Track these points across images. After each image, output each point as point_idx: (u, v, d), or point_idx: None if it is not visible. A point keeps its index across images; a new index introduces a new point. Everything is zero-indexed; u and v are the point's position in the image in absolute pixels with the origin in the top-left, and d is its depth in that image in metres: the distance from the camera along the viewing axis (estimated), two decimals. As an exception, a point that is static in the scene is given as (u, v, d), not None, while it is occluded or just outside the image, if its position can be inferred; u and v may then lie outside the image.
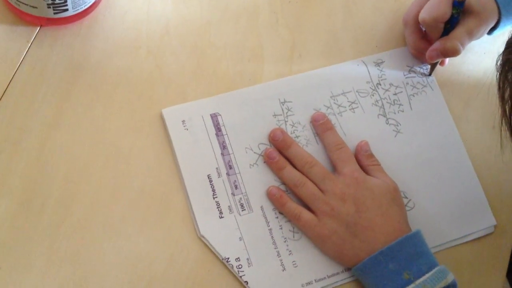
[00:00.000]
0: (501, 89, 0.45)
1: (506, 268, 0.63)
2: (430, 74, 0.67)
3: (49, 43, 0.61)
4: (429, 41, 0.65)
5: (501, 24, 0.64)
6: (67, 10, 0.58)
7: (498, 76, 0.46)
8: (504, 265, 0.63)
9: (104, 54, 0.61)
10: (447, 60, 0.67)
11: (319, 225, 0.58)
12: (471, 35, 0.63)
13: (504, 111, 0.45)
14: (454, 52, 0.63)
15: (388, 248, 0.56)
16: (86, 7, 0.60)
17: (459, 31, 0.62)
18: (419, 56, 0.66)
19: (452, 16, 0.62)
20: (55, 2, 0.56)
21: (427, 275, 0.54)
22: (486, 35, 0.66)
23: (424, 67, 0.67)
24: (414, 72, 0.67)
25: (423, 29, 0.65)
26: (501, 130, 0.47)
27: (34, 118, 0.58)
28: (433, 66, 0.67)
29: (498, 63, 0.46)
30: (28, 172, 0.56)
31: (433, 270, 0.55)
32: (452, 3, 0.61)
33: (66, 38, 0.61)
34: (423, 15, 0.63)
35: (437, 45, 0.63)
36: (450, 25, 0.63)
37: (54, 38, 0.61)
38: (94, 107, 0.59)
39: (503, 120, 0.46)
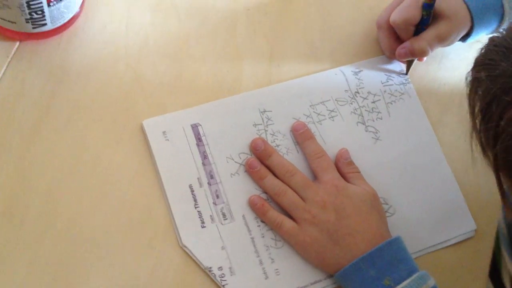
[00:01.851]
0: (471, 105, 0.46)
1: (488, 271, 0.64)
2: (406, 73, 0.68)
3: (28, 58, 0.61)
4: (401, 43, 0.66)
5: (474, 32, 0.65)
6: (45, 24, 0.58)
7: (468, 92, 0.47)
8: (485, 268, 0.64)
9: (83, 68, 0.62)
10: (424, 57, 0.68)
11: (301, 233, 0.58)
12: (441, 39, 0.64)
13: (474, 125, 0.46)
14: (421, 53, 0.64)
15: (369, 255, 0.56)
16: (65, 21, 0.60)
17: (429, 33, 0.64)
18: (393, 57, 0.68)
19: (422, 18, 0.63)
20: (33, 17, 0.57)
21: (407, 281, 0.55)
22: (461, 42, 0.68)
23: (400, 68, 0.68)
24: (392, 80, 0.68)
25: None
26: (471, 144, 0.48)
27: (14, 132, 0.58)
28: (409, 65, 0.68)
29: (468, 79, 0.47)
30: (8, 185, 0.56)
31: (414, 276, 0.55)
32: (422, 6, 0.63)
33: (45, 52, 0.61)
34: (394, 17, 0.64)
35: (406, 44, 0.65)
36: (420, 26, 0.64)
37: (33, 53, 0.61)
38: (74, 120, 0.60)
39: (473, 134, 0.47)
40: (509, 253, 0.67)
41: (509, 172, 0.44)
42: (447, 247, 0.63)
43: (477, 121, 0.46)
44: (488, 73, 0.44)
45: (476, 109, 0.46)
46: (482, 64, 0.45)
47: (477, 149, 0.47)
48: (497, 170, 0.45)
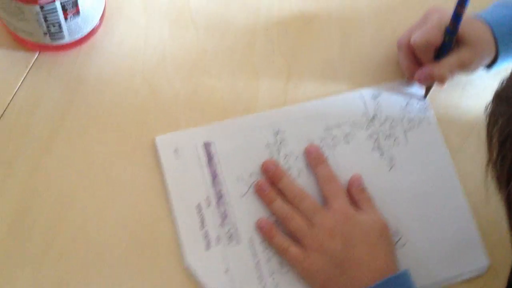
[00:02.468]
0: (488, 138, 0.45)
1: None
2: (425, 97, 0.67)
3: (47, 69, 0.62)
4: (421, 65, 0.64)
5: (500, 60, 0.63)
6: (63, 37, 0.59)
7: (486, 124, 0.45)
8: (497, 306, 0.62)
9: (100, 81, 0.62)
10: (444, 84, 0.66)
11: (307, 260, 0.57)
12: (463, 65, 0.63)
13: (490, 158, 0.45)
14: (441, 78, 0.63)
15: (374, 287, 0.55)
16: (83, 34, 0.60)
17: (450, 59, 0.62)
18: (412, 80, 0.66)
19: (443, 42, 0.62)
20: (51, 30, 0.57)
21: (412, 317, 0.54)
22: (485, 70, 0.66)
23: (421, 93, 0.67)
24: (412, 105, 0.67)
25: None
26: (486, 177, 0.46)
27: (29, 142, 0.59)
28: (428, 89, 0.66)
29: (487, 110, 0.45)
30: (19, 195, 0.57)
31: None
32: (445, 30, 0.61)
33: (63, 64, 0.62)
34: (415, 38, 0.63)
35: (426, 68, 0.63)
36: (442, 51, 0.62)
37: (52, 64, 0.62)
38: (88, 133, 0.60)
39: (489, 168, 0.45)
40: None
41: None
42: (456, 283, 0.61)
43: (494, 153, 0.45)
44: (506, 109, 0.43)
45: (493, 142, 0.45)
46: (501, 98, 0.44)
47: (493, 182, 0.46)
48: (509, 208, 0.44)
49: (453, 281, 0.61)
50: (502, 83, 0.44)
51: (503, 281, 0.62)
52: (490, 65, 0.65)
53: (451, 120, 0.67)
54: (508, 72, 0.65)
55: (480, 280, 0.61)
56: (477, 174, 0.65)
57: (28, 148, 0.59)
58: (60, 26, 0.57)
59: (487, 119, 0.45)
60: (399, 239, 0.61)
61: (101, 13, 0.62)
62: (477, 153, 0.66)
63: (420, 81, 0.65)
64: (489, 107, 0.45)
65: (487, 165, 0.45)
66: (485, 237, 0.63)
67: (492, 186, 0.46)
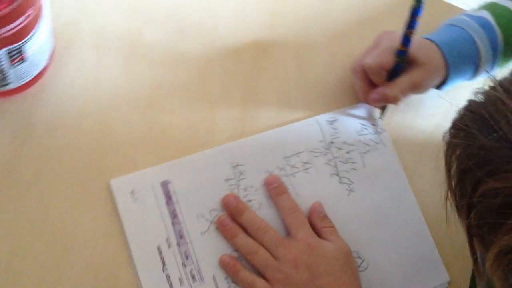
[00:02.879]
0: (447, 166, 0.46)
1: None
2: (380, 118, 0.68)
3: (-7, 117, 0.60)
4: (375, 87, 0.65)
5: (449, 80, 0.65)
6: (9, 83, 0.57)
7: (444, 152, 0.46)
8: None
9: (50, 124, 0.60)
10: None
11: (273, 293, 0.57)
12: (415, 86, 0.64)
13: (450, 186, 0.46)
14: (393, 100, 0.64)
15: (340, 318, 0.55)
16: (31, 77, 0.59)
17: (402, 79, 0.64)
18: (367, 102, 0.67)
19: (395, 64, 0.63)
20: (-4, 79, 0.56)
21: None
22: (436, 90, 0.67)
23: (375, 116, 0.68)
24: (367, 129, 0.67)
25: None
26: (446, 204, 0.47)
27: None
28: (383, 109, 0.67)
29: (445, 139, 0.46)
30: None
31: None
32: (396, 52, 0.62)
33: (10, 109, 0.60)
34: (368, 61, 0.64)
35: (379, 89, 0.64)
36: (394, 72, 0.64)
37: (-2, 111, 0.60)
38: (39, 181, 0.58)
39: (449, 194, 0.46)
40: None
41: (482, 241, 0.44)
42: (420, 301, 0.62)
43: (453, 182, 0.46)
44: (462, 140, 0.44)
45: (452, 172, 0.46)
46: (458, 128, 0.45)
47: (452, 207, 0.47)
48: (470, 237, 0.45)
49: (416, 300, 0.62)
50: (460, 113, 0.45)
51: (464, 297, 0.64)
52: (440, 85, 0.66)
53: (406, 140, 0.68)
54: (460, 89, 0.67)
55: (441, 297, 0.63)
56: (433, 193, 0.66)
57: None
58: (6, 73, 0.55)
59: (445, 148, 0.46)
60: (361, 263, 0.62)
61: (50, 53, 0.60)
62: (431, 172, 0.67)
63: (374, 102, 0.66)
64: (446, 136, 0.46)
65: (446, 192, 0.46)
66: (443, 254, 0.64)
67: (450, 210, 0.47)
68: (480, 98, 0.45)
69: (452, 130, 0.46)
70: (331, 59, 0.69)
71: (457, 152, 0.45)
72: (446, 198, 0.47)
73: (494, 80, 0.45)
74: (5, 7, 0.48)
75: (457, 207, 0.46)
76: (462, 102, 0.68)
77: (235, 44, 0.68)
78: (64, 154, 0.60)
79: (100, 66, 0.64)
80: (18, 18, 0.50)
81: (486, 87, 0.46)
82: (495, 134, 0.41)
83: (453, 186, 0.46)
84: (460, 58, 0.64)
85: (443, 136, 0.47)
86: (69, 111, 0.61)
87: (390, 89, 0.63)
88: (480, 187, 0.42)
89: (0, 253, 0.56)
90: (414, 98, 0.68)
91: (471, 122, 0.43)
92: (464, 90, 0.68)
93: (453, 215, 0.48)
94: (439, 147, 0.68)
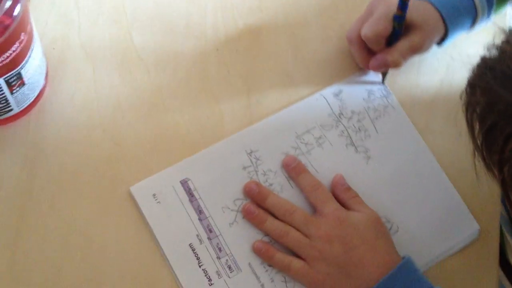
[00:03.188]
0: (469, 124, 0.46)
1: (498, 265, 0.64)
2: (383, 82, 0.67)
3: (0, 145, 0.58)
4: (374, 54, 0.65)
5: (449, 35, 0.64)
6: (12, 110, 0.56)
7: (464, 111, 0.46)
8: (495, 265, 0.63)
9: (58, 143, 0.59)
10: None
11: (311, 271, 0.57)
12: (415, 49, 0.63)
13: (475, 145, 0.46)
14: (394, 64, 0.63)
15: (382, 283, 0.55)
16: (31, 101, 0.58)
17: (402, 44, 0.63)
18: (369, 69, 0.66)
19: (393, 29, 0.62)
20: (-2, 106, 0.55)
21: (426, 303, 0.54)
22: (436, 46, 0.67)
23: (379, 80, 0.67)
24: (373, 94, 0.67)
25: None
26: (474, 162, 0.47)
27: (-2, 228, 0.56)
28: (384, 75, 0.67)
29: (463, 98, 0.46)
30: (2, 285, 0.54)
31: (431, 296, 0.55)
32: (393, 17, 0.62)
33: (16, 135, 0.59)
34: (365, 31, 0.63)
35: (379, 56, 0.63)
36: (392, 38, 0.63)
37: (3, 138, 0.58)
38: (58, 201, 0.57)
39: (476, 153, 0.46)
40: (510, 233, 0.67)
41: None
42: (455, 253, 0.62)
43: (478, 141, 0.45)
44: (485, 97, 0.43)
45: (476, 130, 0.45)
46: (478, 86, 0.44)
47: (480, 164, 0.46)
48: (505, 190, 0.45)
49: (450, 252, 0.62)
50: (473, 71, 0.45)
51: (496, 238, 0.63)
52: (440, 41, 0.66)
53: (413, 100, 0.68)
54: (459, 40, 0.67)
55: (474, 244, 0.63)
56: (449, 146, 0.66)
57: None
58: (6, 100, 0.54)
59: (465, 109, 0.46)
60: (391, 227, 0.62)
61: (45, 73, 0.59)
62: (443, 127, 0.67)
63: (375, 69, 0.65)
64: (463, 96, 0.46)
65: (473, 151, 0.46)
66: (469, 204, 0.64)
67: (479, 167, 0.46)
68: (494, 53, 0.44)
69: (469, 89, 0.46)
70: (325, 32, 0.69)
71: (479, 110, 0.44)
72: (474, 157, 0.47)
73: (506, 33, 0.45)
74: (-1, 37, 0.47)
75: (486, 164, 0.46)
76: (462, 52, 0.69)
77: (227, 33, 0.67)
78: (78, 170, 0.59)
79: (96, 77, 0.63)
80: (12, 45, 0.49)
81: (498, 42, 0.45)
82: None
83: (479, 145, 0.45)
84: (456, 12, 0.64)
85: (460, 96, 0.47)
86: (74, 126, 0.60)
87: (390, 55, 0.63)
88: (510, 142, 0.41)
89: (34, 277, 0.55)
90: (414, 57, 0.68)
91: (492, 79, 0.42)
92: (463, 39, 0.68)
93: (482, 171, 0.47)
94: (447, 101, 0.69)
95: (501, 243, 0.65)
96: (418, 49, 0.63)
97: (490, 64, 0.43)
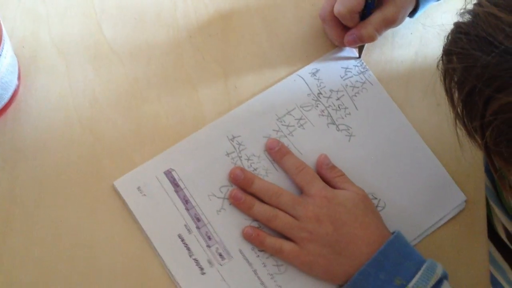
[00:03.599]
0: (448, 93, 0.45)
1: (486, 233, 0.65)
2: (359, 57, 0.67)
3: (-24, 148, 0.57)
4: (348, 30, 0.64)
5: (421, 6, 0.65)
6: (-14, 111, 0.55)
7: (442, 80, 0.46)
8: (483, 232, 0.64)
9: (37, 142, 0.58)
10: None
11: (303, 252, 0.57)
12: (389, 22, 0.63)
13: (456, 113, 0.46)
14: (369, 38, 0.63)
15: (374, 259, 0.56)
16: (5, 101, 0.56)
17: (375, 17, 0.63)
18: (343, 45, 0.66)
19: (366, 3, 0.62)
20: (-29, 108, 0.53)
21: (417, 276, 0.55)
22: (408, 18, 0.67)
23: (355, 55, 0.67)
24: (350, 71, 0.67)
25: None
26: (456, 131, 0.47)
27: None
28: (360, 49, 0.67)
29: (439, 66, 0.46)
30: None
31: (422, 268, 0.55)
32: None
33: (-8, 137, 0.58)
34: (338, 7, 0.62)
35: (353, 31, 0.63)
36: (366, 12, 0.63)
37: (-20, 142, 0.57)
38: (43, 200, 0.56)
39: (457, 121, 0.46)
40: (496, 203, 0.68)
41: (501, 157, 0.44)
42: (443, 224, 0.63)
43: (458, 109, 0.46)
44: (462, 63, 0.43)
45: (455, 98, 0.45)
46: (454, 53, 0.44)
47: (462, 133, 0.46)
48: (489, 155, 0.45)
49: (439, 224, 0.63)
50: (448, 38, 0.45)
51: (483, 208, 0.64)
52: (412, 13, 0.66)
53: (389, 74, 0.68)
54: (429, 11, 0.67)
55: (462, 214, 0.64)
56: (429, 119, 0.67)
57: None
58: (-20, 101, 0.53)
59: (443, 78, 0.46)
60: (378, 203, 0.62)
61: (17, 72, 0.57)
62: (421, 99, 0.67)
63: (350, 44, 0.65)
64: (440, 65, 0.46)
65: (454, 120, 0.46)
66: (454, 176, 0.65)
67: (461, 137, 0.47)
68: (467, 18, 0.44)
69: (445, 56, 0.46)
70: (297, 11, 0.68)
71: (456, 77, 0.44)
72: (455, 125, 0.47)
73: None
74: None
75: (468, 131, 0.46)
76: (435, 23, 0.70)
77: (199, 19, 0.66)
78: (60, 168, 0.58)
79: (70, 73, 0.61)
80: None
81: (470, 6, 0.45)
82: (496, 50, 0.41)
83: (460, 112, 0.45)
84: None
85: (437, 65, 0.47)
86: (52, 124, 0.59)
87: (365, 29, 0.63)
88: (492, 105, 0.41)
89: (25, 276, 0.54)
90: (387, 30, 0.68)
91: (467, 44, 0.42)
92: (434, 9, 0.69)
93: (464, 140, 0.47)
94: (423, 72, 0.69)
95: (488, 215, 0.66)
96: (392, 21, 0.63)
97: (464, 29, 0.43)
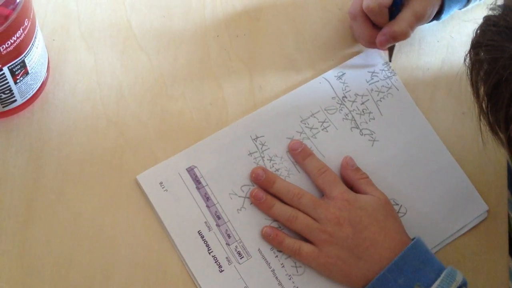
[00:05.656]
0: (474, 87, 0.45)
1: (507, 247, 0.64)
2: (390, 60, 0.67)
3: (4, 137, 0.58)
4: (378, 31, 0.64)
5: (446, 7, 0.64)
6: (15, 101, 0.55)
7: (469, 74, 0.45)
8: (504, 245, 0.63)
9: (63, 133, 0.59)
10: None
11: (321, 254, 0.57)
12: (419, 16, 0.63)
13: (480, 107, 0.45)
14: (403, 35, 0.62)
15: (394, 264, 0.55)
16: (34, 91, 0.57)
17: (405, 13, 0.62)
18: (372, 47, 0.66)
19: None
20: (1, 97, 0.54)
21: (437, 282, 0.54)
22: (435, 22, 0.67)
23: (383, 60, 0.67)
24: (377, 76, 0.67)
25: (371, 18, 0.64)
26: (480, 126, 0.47)
27: (6, 218, 0.55)
28: (391, 52, 0.66)
29: (467, 61, 0.45)
30: (14, 275, 0.54)
31: (442, 275, 0.55)
32: None
33: (20, 127, 0.58)
34: (367, 2, 0.62)
35: (385, 30, 0.63)
36: (394, 8, 0.62)
37: (8, 131, 0.58)
38: (66, 191, 0.57)
39: (481, 116, 0.46)
40: None
41: None
42: (464, 233, 0.62)
43: (483, 104, 0.45)
44: (490, 54, 0.43)
45: (481, 91, 0.45)
46: (482, 45, 0.44)
47: (486, 129, 0.46)
48: (511, 151, 0.44)
49: (459, 234, 0.62)
50: (477, 31, 0.44)
51: (505, 219, 0.63)
52: (437, 15, 0.66)
53: (415, 81, 0.68)
54: (456, 19, 0.67)
55: (483, 224, 0.63)
56: (453, 127, 0.66)
57: (7, 224, 0.55)
58: (10, 90, 0.53)
59: (470, 68, 0.45)
60: (399, 209, 0.62)
61: (47, 64, 0.58)
62: (447, 107, 0.67)
63: (382, 45, 0.64)
64: (467, 58, 0.45)
65: (478, 114, 0.46)
66: (476, 184, 0.64)
67: (485, 133, 0.46)
68: (497, 12, 0.44)
69: (472, 50, 0.45)
70: (324, 14, 0.68)
71: (483, 70, 0.44)
72: (479, 119, 0.46)
73: None
74: (2, 23, 0.46)
75: (491, 126, 0.45)
76: (462, 32, 0.69)
77: (227, 17, 0.66)
78: (84, 160, 0.58)
79: (98, 66, 0.62)
80: (16, 32, 0.48)
81: (499, 2, 0.45)
82: None
83: (485, 104, 0.45)
84: None
85: (464, 59, 0.47)
86: (78, 116, 0.60)
87: (397, 25, 0.62)
88: None
89: (44, 272, 0.54)
90: (414, 37, 0.68)
91: (496, 35, 0.42)
92: (461, 18, 0.68)
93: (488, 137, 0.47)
94: (449, 80, 0.68)
95: (509, 231, 0.65)
96: (422, 16, 0.62)
97: (493, 21, 0.43)
